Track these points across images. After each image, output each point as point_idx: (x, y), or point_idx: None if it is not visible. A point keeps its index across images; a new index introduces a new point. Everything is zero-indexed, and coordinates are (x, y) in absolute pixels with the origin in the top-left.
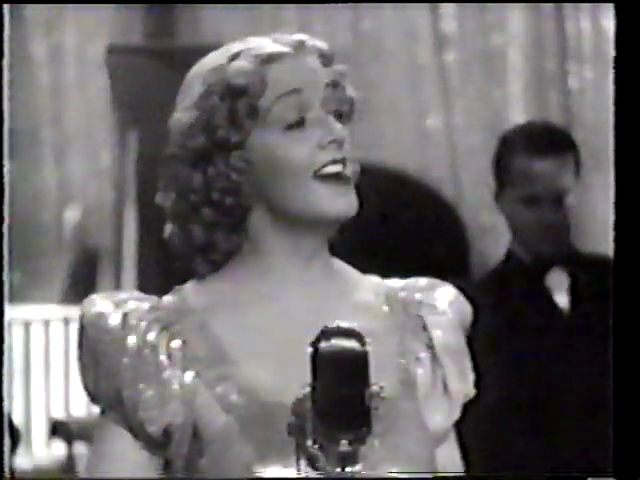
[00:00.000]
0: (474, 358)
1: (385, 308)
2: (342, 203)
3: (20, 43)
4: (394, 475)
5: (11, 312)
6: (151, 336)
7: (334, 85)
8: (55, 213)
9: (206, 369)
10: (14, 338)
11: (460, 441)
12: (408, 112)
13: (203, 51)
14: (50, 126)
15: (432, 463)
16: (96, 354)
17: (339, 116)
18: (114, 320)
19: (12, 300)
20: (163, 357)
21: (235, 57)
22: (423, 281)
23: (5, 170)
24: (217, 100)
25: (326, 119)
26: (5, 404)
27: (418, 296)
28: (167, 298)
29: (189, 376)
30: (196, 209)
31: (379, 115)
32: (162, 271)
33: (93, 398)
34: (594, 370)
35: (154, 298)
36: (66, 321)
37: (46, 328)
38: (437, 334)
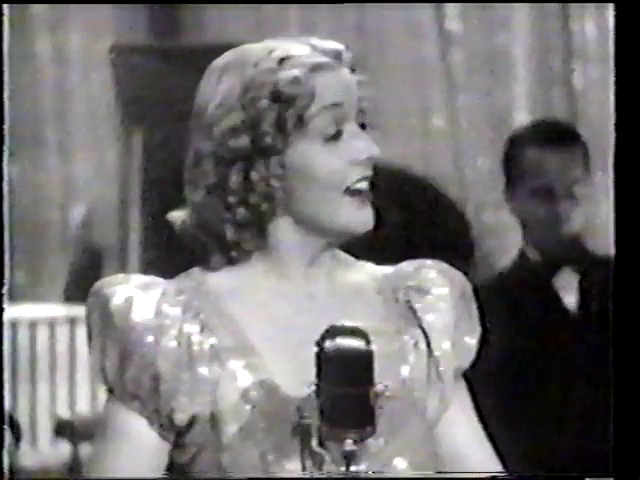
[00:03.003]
0: (478, 354)
1: (380, 298)
2: (363, 219)
3: (25, 42)
4: (398, 475)
5: (16, 311)
6: (187, 327)
7: (362, 98)
8: (60, 212)
9: (232, 359)
10: (19, 337)
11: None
12: (413, 111)
13: (208, 50)
14: (55, 125)
15: (435, 456)
16: (126, 342)
17: (363, 126)
18: (145, 307)
19: (17, 299)
20: (197, 347)
21: (283, 62)
22: (412, 264)
23: (9, 170)
24: (266, 105)
25: (361, 134)
26: (7, 402)
27: (407, 280)
28: (184, 282)
29: (216, 366)
30: (230, 208)
31: (384, 114)
32: (167, 269)
33: (113, 387)
34: (599, 371)
35: (173, 281)
36: (71, 320)
37: (51, 327)
38: (426, 316)
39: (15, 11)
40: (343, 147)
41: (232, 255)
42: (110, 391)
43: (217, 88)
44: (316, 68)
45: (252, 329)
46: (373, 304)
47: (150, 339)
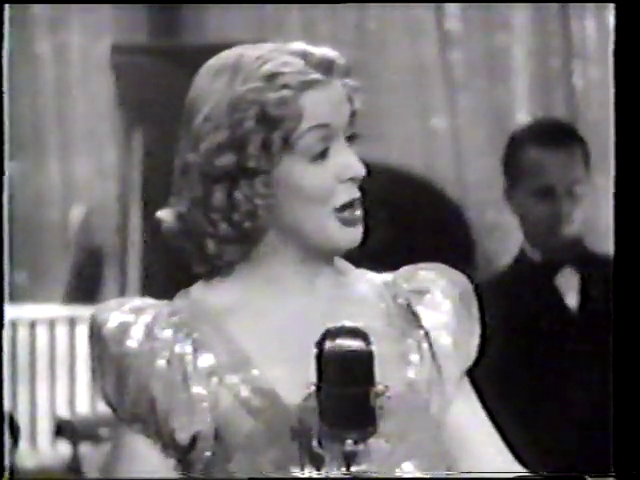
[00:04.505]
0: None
1: (382, 304)
2: (349, 236)
3: (25, 42)
4: (400, 475)
5: (16, 312)
6: (178, 347)
7: (353, 114)
8: (60, 212)
9: (229, 374)
10: (19, 338)
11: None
12: (413, 111)
13: (208, 50)
14: (55, 125)
15: (445, 457)
16: (122, 368)
17: (354, 136)
18: (137, 332)
19: (17, 299)
20: (190, 367)
21: (271, 79)
22: (410, 268)
23: (9, 170)
24: (252, 126)
25: (347, 152)
26: (5, 402)
27: (405, 285)
28: (180, 302)
29: (214, 383)
30: (213, 223)
31: (384, 115)
32: (166, 270)
33: (114, 409)
34: (600, 370)
35: (168, 303)
36: (71, 320)
37: (51, 327)
38: (425, 315)
39: (15, 11)
40: (329, 165)
41: (215, 265)
42: (114, 412)
43: (207, 96)
44: (305, 87)
45: (251, 343)
46: (375, 311)
47: (142, 363)
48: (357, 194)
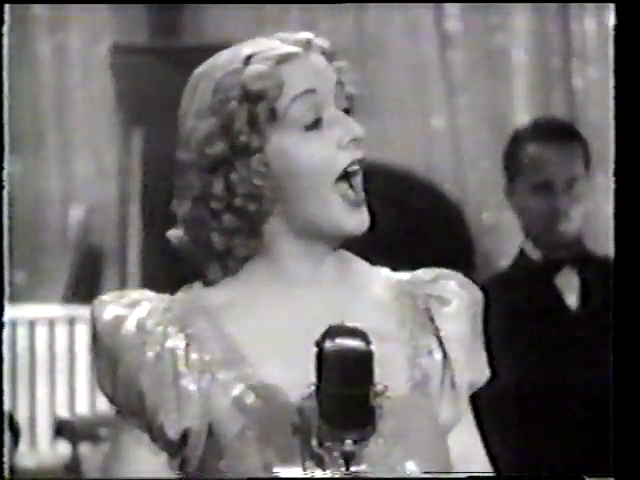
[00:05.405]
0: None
1: (395, 303)
2: (357, 219)
3: (25, 42)
4: (400, 475)
5: (15, 312)
6: (170, 342)
7: (341, 83)
8: (59, 212)
9: (222, 371)
10: (19, 338)
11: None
12: (412, 112)
13: (208, 50)
14: (55, 126)
15: (446, 460)
16: (114, 360)
17: (346, 112)
18: (130, 325)
19: (17, 299)
20: (181, 361)
21: (248, 60)
22: (431, 272)
23: (9, 170)
24: (235, 105)
25: (343, 117)
26: (6, 402)
27: (426, 288)
28: (180, 296)
29: (206, 379)
30: (216, 215)
31: (384, 115)
32: (166, 270)
33: (112, 402)
34: (601, 371)
35: (167, 297)
36: (71, 320)
37: (51, 327)
38: (444, 326)
39: (15, 11)
40: (325, 133)
41: (228, 264)
42: (112, 404)
43: (194, 97)
44: (283, 59)
45: (247, 340)
46: (386, 309)
47: (133, 356)
48: (359, 155)
